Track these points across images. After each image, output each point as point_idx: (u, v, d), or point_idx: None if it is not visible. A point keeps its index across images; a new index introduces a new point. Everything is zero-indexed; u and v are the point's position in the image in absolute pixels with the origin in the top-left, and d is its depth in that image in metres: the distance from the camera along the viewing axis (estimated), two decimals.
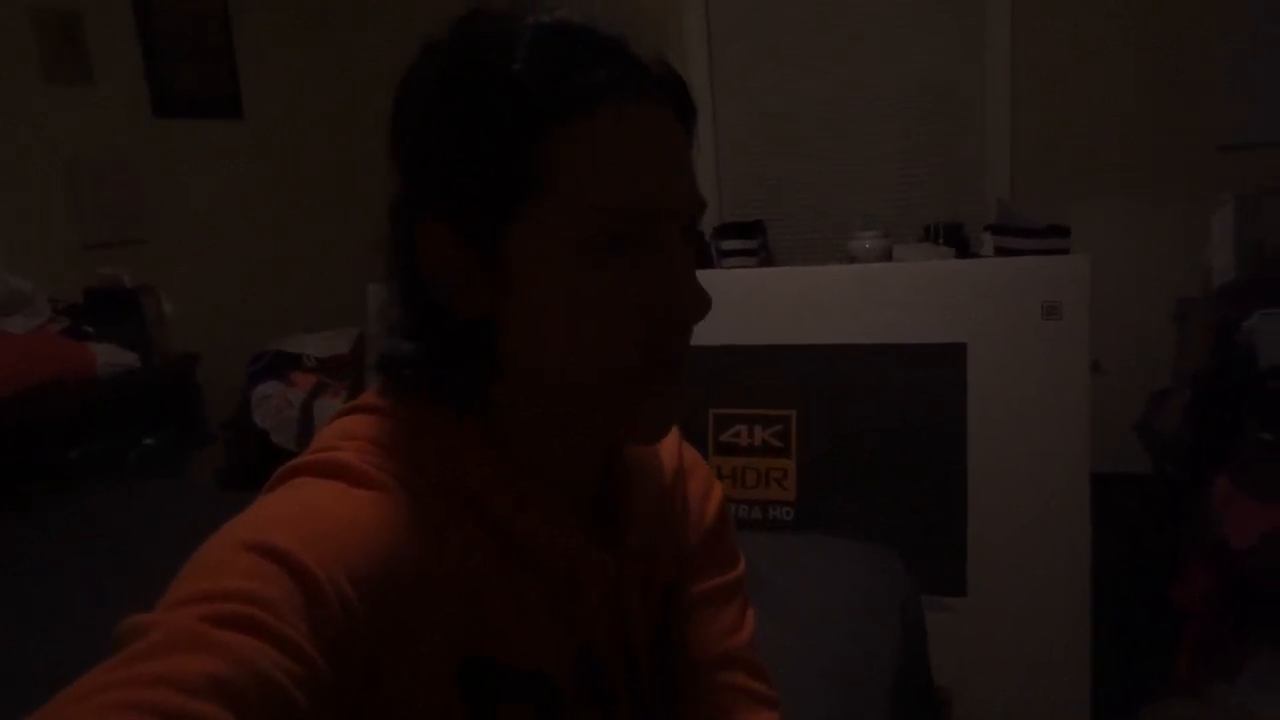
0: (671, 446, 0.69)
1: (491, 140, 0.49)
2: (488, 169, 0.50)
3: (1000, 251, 2.20)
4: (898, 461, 1.94)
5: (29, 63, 2.38)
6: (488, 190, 0.50)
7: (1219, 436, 1.88)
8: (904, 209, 2.76)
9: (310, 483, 0.50)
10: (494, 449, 0.54)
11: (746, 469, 2.03)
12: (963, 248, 2.45)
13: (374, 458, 0.51)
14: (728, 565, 0.71)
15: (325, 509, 0.47)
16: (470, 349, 0.54)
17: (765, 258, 2.79)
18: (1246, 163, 2.38)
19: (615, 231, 0.50)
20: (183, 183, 2.79)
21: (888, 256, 2.43)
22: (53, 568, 1.61)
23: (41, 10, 2.39)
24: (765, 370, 2.05)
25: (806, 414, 2.01)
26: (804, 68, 2.85)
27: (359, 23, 3.31)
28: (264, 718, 0.37)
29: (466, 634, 0.50)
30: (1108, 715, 1.80)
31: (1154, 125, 2.49)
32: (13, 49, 2.35)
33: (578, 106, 0.49)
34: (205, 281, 2.80)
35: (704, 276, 0.53)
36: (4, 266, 2.17)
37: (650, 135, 0.51)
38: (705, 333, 0.56)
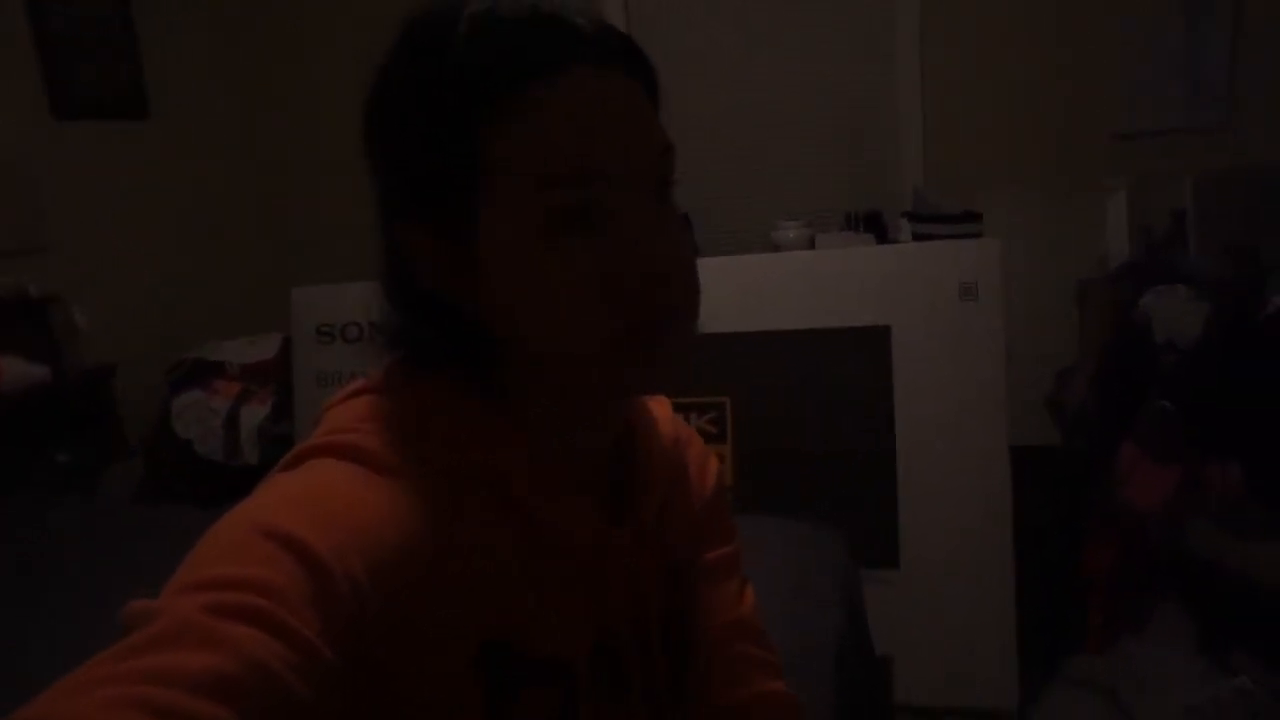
0: (667, 416, 0.69)
1: (439, 133, 0.49)
2: (441, 164, 0.50)
3: (918, 237, 2.30)
4: (830, 442, 2.00)
5: None
6: (446, 184, 0.50)
7: (1122, 408, 2.01)
8: (825, 199, 2.84)
9: (327, 465, 0.49)
10: (508, 427, 0.54)
11: None
12: (881, 234, 2.54)
13: (390, 440, 0.51)
14: (729, 537, 0.71)
15: (341, 493, 0.47)
16: (470, 333, 0.54)
17: (693, 249, 2.83)
18: (1137, 150, 2.54)
19: (571, 202, 0.48)
20: (86, 187, 2.66)
21: (811, 245, 2.50)
22: None
23: None
24: (699, 358, 2.08)
25: (741, 400, 2.06)
26: (725, 64, 2.90)
27: (268, 16, 3.21)
28: (265, 713, 0.36)
29: (484, 619, 0.50)
30: (1035, 671, 1.91)
31: (1055, 116, 2.63)
32: None
33: (516, 83, 0.48)
34: (116, 290, 2.68)
35: None
36: None
37: (593, 99, 0.49)
38: None
